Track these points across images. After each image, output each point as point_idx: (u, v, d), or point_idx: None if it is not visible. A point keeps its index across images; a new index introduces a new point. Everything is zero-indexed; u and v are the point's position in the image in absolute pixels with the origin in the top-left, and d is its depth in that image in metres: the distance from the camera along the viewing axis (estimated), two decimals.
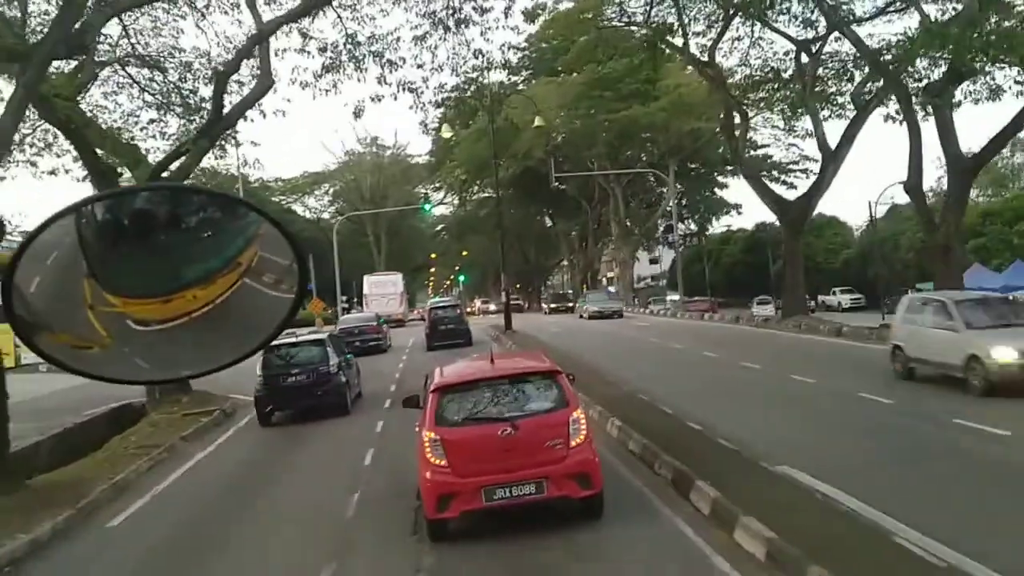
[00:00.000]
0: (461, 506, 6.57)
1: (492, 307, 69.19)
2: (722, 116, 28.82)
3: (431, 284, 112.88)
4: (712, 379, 14.82)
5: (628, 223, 51.78)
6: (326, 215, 62.26)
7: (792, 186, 43.52)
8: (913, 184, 21.07)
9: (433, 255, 76.13)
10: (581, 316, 38.19)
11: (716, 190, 53.98)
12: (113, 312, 1.50)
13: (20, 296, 1.43)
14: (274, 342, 13.57)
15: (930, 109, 19.74)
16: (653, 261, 62.72)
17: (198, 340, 1.55)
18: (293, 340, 14.87)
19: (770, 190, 27.99)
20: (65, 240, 1.49)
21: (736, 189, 63.59)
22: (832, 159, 25.13)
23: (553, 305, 53.33)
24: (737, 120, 28.33)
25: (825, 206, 45.71)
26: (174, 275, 1.49)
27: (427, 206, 56.14)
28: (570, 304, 50.64)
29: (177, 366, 1.66)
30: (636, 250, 57.58)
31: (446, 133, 40.74)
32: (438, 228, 74.17)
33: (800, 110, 25.29)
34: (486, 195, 58.42)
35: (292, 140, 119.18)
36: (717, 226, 58.22)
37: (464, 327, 26.17)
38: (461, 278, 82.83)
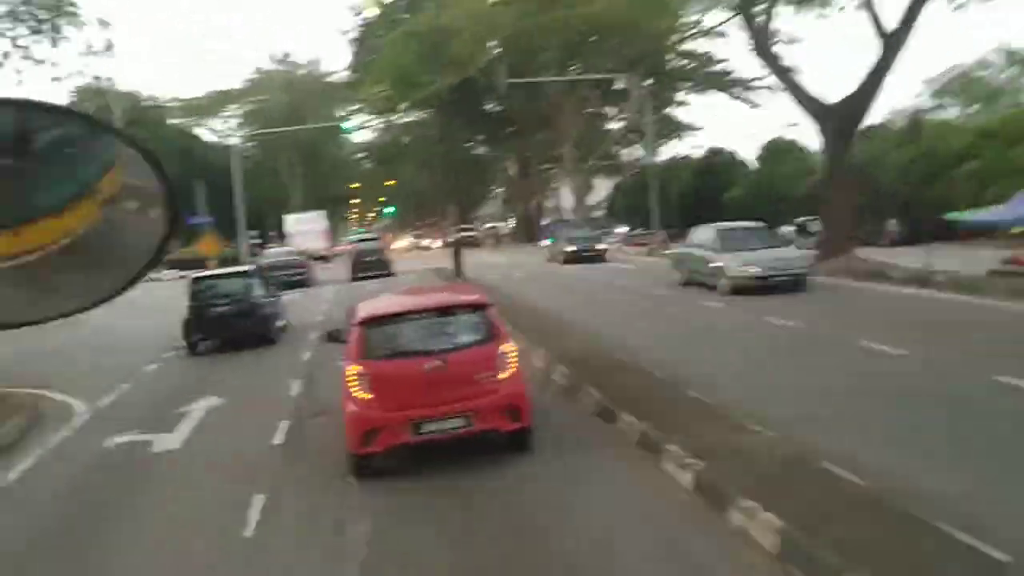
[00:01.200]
0: (387, 440, 6.62)
1: (431, 243, 63.65)
2: None
3: (354, 217, 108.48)
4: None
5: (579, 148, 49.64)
6: (235, 140, 57.21)
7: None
8: None
9: (355, 184, 72.52)
10: (551, 258, 31.65)
11: (670, 109, 51.22)
12: None
13: None
14: (201, 273, 14.10)
15: None
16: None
17: (57, 276, 1.43)
18: (220, 271, 16.45)
19: (803, 89, 22.74)
20: None
21: (694, 109, 60.90)
22: (893, 45, 20.57)
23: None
24: None
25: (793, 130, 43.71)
26: (22, 204, 1.35)
27: (346, 125, 52.07)
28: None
29: (39, 307, 1.49)
30: (591, 177, 55.93)
31: (370, 7, 39.35)
32: (359, 156, 70.95)
33: None
34: (412, 119, 56.61)
35: (200, 57, 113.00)
36: (664, 152, 54.29)
37: (385, 259, 29.62)
38: (389, 210, 79.40)
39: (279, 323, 15.89)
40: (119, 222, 1.41)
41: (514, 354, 6.96)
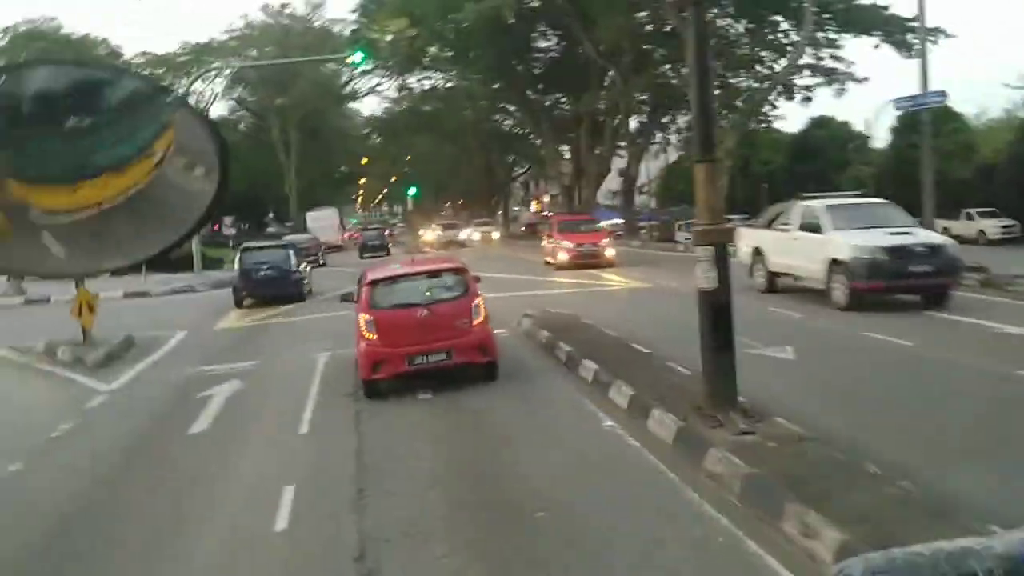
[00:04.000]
0: (390, 370, 10.00)
1: (465, 235, 54.04)
2: None
3: (360, 197, 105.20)
4: None
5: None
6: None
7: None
8: None
9: (364, 160, 69.80)
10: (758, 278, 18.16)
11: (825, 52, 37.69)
12: (12, 200, 1.43)
13: None
14: (249, 244, 21.86)
15: None
16: (622, 173, 51.11)
17: (112, 231, 1.53)
18: (263, 243, 24.68)
19: None
20: None
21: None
22: None
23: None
24: None
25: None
26: (82, 160, 1.46)
27: (361, 52, 34.49)
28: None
29: (96, 258, 1.60)
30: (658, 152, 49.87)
31: None
32: (367, 132, 67.67)
33: None
34: (432, 82, 51.01)
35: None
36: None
37: (384, 243, 45.41)
38: (411, 191, 74.11)
39: (306, 287, 23.02)
40: (172, 181, 1.49)
41: (483, 306, 10.46)
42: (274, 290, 21.42)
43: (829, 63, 36.30)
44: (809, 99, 38.37)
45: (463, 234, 52.59)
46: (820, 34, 33.19)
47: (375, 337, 9.92)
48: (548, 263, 27.44)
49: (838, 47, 35.42)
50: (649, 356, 10.95)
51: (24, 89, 1.33)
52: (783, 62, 36.04)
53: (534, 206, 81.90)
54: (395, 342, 9.86)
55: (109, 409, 11.01)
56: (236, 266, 22.02)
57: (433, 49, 41.32)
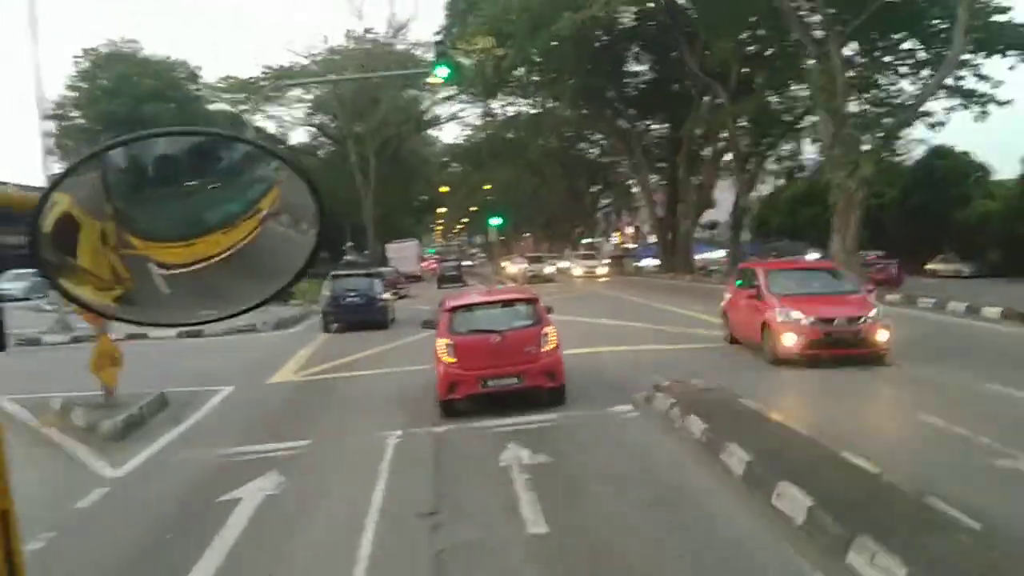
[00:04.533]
0: (465, 391, 10.78)
1: (556, 267, 48.41)
2: None
3: (439, 228, 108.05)
4: None
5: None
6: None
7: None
8: None
9: (443, 188, 68.89)
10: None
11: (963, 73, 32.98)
12: (135, 254, 1.69)
13: (46, 239, 1.66)
14: (338, 272, 21.32)
15: None
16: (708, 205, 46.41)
17: (219, 284, 1.73)
18: (352, 272, 26.01)
19: None
20: (90, 184, 1.68)
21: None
22: None
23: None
24: None
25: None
26: (197, 220, 1.66)
27: (446, 66, 28.43)
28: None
29: (198, 310, 1.86)
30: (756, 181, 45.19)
31: None
32: (446, 160, 67.54)
33: None
34: (516, 108, 49.38)
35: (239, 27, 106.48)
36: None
37: (460, 273, 46.32)
38: (496, 221, 68.52)
39: (390, 315, 24.25)
40: (274, 236, 1.68)
41: (554, 334, 11.04)
42: (361, 316, 22.63)
43: (969, 83, 31.55)
44: (942, 124, 33.32)
45: (549, 268, 46.72)
46: (947, 53, 27.71)
47: (453, 360, 10.75)
48: (772, 347, 13.61)
49: (973, 66, 30.79)
50: (892, 484, 6.65)
51: (150, 153, 1.53)
52: (905, 84, 34.23)
53: (616, 237, 79.81)
54: (470, 365, 10.68)
55: (100, 515, 7.97)
56: (326, 292, 23.33)
57: (520, 71, 38.60)
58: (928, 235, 34.19)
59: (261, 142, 1.69)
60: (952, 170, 36.72)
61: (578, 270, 45.94)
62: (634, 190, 61.29)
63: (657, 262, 48.11)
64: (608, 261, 52.80)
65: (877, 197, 37.01)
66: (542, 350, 10.74)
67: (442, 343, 10.79)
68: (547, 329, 10.93)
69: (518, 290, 15.02)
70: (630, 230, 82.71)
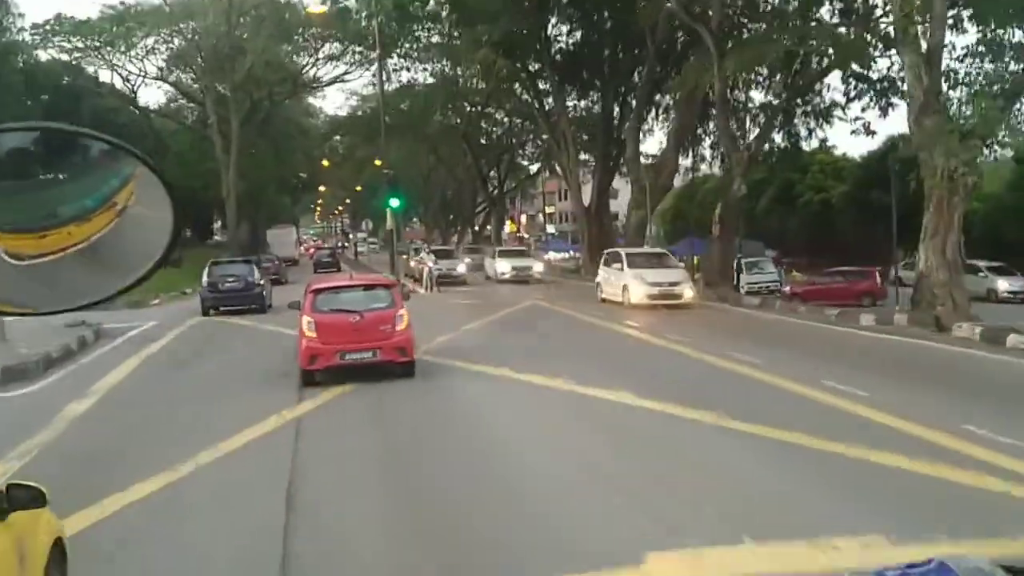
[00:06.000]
0: (324, 363, 12.24)
1: (464, 267, 37.09)
2: None
3: (318, 209, 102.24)
4: None
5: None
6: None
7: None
8: None
9: (325, 162, 63.14)
10: None
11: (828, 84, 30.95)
12: None
13: None
14: (217, 259, 25.67)
15: None
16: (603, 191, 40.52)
17: (71, 275, 1.77)
18: (229, 259, 27.57)
19: None
20: None
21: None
22: None
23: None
24: None
25: None
26: (50, 212, 1.73)
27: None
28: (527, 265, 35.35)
29: (50, 300, 1.87)
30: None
31: None
32: (325, 133, 61.72)
33: None
34: (412, 74, 43.92)
35: None
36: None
37: (336, 260, 53.21)
38: (394, 203, 63.05)
39: (268, 300, 25.43)
40: (127, 228, 1.75)
41: (407, 315, 12.74)
42: (238, 301, 23.91)
43: None
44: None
45: (462, 266, 36.66)
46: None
47: (314, 335, 12.12)
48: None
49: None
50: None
51: (2, 146, 1.71)
52: None
53: (508, 227, 68.31)
54: (330, 340, 12.03)
55: None
56: (204, 279, 24.50)
57: (422, 30, 36.62)
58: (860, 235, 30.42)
59: (118, 140, 1.69)
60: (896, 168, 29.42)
61: (504, 270, 35.38)
62: (543, 176, 60.27)
63: (564, 256, 49.36)
64: (545, 260, 45.80)
65: (818, 191, 34.90)
66: (396, 329, 12.27)
67: (305, 320, 12.15)
68: (401, 311, 12.51)
69: (378, 278, 17.04)
70: (524, 219, 79.34)
